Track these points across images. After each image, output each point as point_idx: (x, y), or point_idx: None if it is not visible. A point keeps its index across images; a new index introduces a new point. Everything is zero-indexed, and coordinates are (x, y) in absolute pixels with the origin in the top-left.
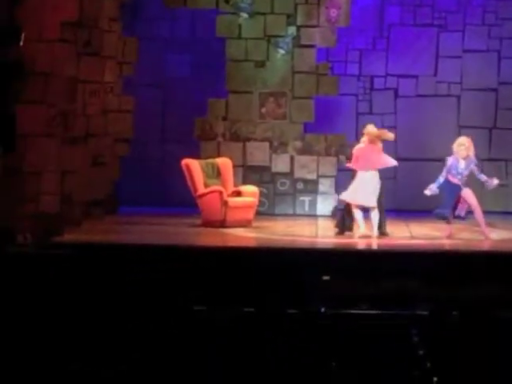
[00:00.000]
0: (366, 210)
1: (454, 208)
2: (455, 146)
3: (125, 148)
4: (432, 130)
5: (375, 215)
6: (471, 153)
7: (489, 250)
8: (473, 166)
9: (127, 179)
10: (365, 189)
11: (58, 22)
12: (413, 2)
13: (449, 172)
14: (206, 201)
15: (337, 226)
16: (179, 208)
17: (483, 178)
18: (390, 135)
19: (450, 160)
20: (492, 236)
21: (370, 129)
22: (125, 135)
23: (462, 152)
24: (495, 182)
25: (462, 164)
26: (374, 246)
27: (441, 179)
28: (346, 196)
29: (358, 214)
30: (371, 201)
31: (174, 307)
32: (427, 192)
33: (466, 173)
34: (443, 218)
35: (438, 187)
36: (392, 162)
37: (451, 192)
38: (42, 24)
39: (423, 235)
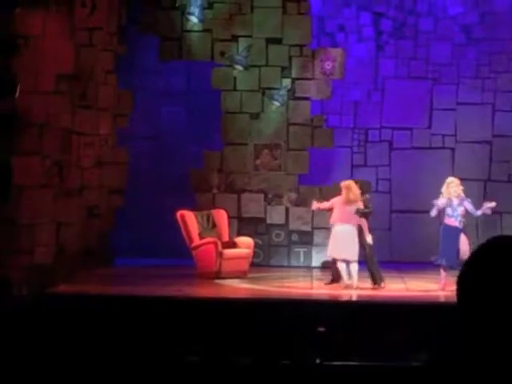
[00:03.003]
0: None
1: (458, 253)
2: (446, 187)
3: (119, 199)
4: (427, 183)
5: (354, 267)
6: (461, 191)
7: None
8: (467, 203)
9: (122, 230)
10: (345, 242)
11: (54, 74)
12: (407, 55)
13: (445, 215)
14: (201, 252)
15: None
16: (174, 259)
17: (479, 212)
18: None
19: (441, 202)
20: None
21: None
22: (119, 187)
23: (454, 190)
24: (490, 204)
25: (456, 202)
26: (370, 298)
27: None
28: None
29: (341, 267)
30: (352, 254)
31: (169, 358)
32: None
33: (461, 210)
34: (450, 266)
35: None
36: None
37: (450, 236)
38: (38, 76)
39: (418, 287)
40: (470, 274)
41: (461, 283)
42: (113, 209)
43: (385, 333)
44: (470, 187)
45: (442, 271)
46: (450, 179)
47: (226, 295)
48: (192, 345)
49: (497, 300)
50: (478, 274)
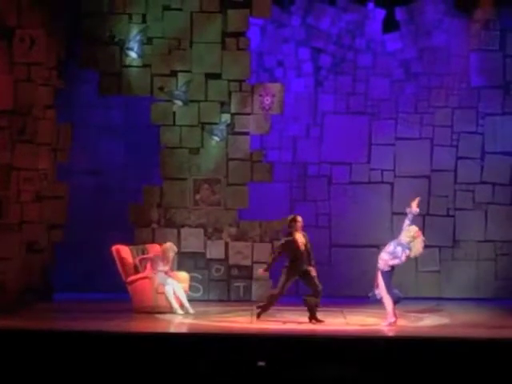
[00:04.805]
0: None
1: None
2: (412, 238)
3: (59, 234)
4: (366, 217)
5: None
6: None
7: (423, 336)
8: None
9: (62, 265)
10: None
11: None
12: (346, 90)
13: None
14: (138, 287)
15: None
16: (115, 294)
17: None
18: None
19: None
20: (390, 324)
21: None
22: (59, 222)
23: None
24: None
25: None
26: (310, 333)
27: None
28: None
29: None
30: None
31: None
32: None
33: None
34: (399, 300)
35: None
36: None
37: (392, 271)
38: None
39: (358, 321)
40: None
41: None
42: (53, 244)
43: (326, 367)
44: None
45: (390, 305)
46: (419, 233)
47: (165, 330)
48: (133, 380)
49: None
50: None
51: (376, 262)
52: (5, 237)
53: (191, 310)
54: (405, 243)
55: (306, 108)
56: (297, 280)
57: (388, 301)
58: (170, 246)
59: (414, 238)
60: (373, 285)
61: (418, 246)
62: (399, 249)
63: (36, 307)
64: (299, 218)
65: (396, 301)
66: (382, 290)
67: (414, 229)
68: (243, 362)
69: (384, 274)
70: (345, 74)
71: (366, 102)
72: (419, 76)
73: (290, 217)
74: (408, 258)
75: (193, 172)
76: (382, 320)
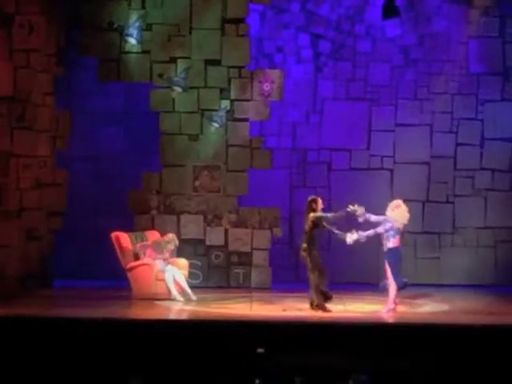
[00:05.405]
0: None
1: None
2: (395, 211)
3: (59, 221)
4: (365, 203)
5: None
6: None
7: (423, 322)
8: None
9: (61, 252)
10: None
11: None
12: (345, 76)
13: (392, 237)
14: (137, 273)
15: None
16: (114, 281)
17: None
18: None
19: (390, 224)
20: (389, 310)
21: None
22: (58, 209)
23: (403, 216)
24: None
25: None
26: (308, 319)
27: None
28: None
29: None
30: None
31: (108, 380)
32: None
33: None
34: (404, 287)
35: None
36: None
37: (400, 257)
38: None
39: (357, 308)
40: None
41: None
42: (52, 231)
43: (324, 354)
44: (409, 208)
45: (394, 291)
46: (399, 203)
47: (164, 317)
48: (132, 367)
49: None
50: None
51: (377, 249)
52: (4, 224)
53: (193, 297)
54: (391, 217)
55: (305, 94)
56: (297, 266)
57: (393, 286)
58: (172, 238)
59: (396, 208)
60: (384, 275)
61: (402, 215)
62: (389, 225)
63: (35, 294)
64: (320, 200)
65: (401, 287)
66: (389, 277)
67: (395, 201)
68: (242, 349)
69: (389, 257)
70: (344, 60)
71: (366, 88)
72: (419, 62)
73: (311, 197)
74: (391, 228)
75: (192, 158)
76: (381, 307)
